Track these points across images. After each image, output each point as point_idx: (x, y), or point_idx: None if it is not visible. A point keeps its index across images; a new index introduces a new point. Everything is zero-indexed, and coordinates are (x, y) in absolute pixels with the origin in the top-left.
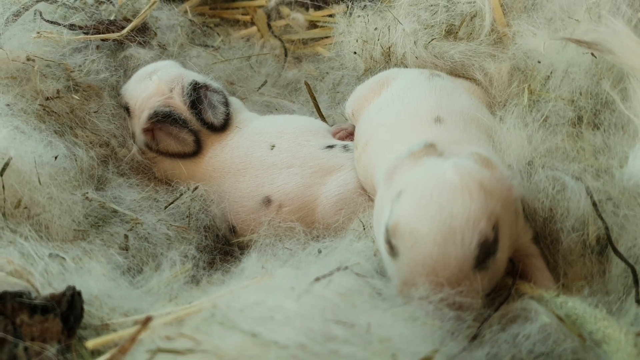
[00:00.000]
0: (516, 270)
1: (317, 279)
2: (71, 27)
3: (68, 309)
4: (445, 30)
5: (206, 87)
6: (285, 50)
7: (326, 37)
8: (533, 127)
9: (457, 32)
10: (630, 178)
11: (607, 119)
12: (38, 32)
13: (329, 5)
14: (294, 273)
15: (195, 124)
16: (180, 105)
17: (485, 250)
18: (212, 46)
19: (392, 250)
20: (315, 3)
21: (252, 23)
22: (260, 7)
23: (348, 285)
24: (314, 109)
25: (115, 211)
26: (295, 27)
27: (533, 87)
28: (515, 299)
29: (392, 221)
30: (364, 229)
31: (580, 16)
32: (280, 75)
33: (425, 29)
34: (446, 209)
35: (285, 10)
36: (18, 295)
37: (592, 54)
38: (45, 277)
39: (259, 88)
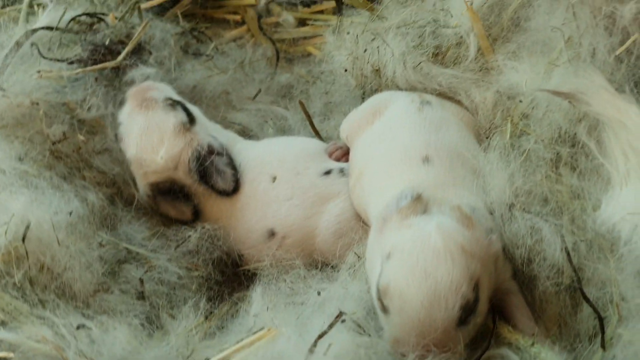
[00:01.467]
0: (494, 317)
1: (319, 337)
2: (69, 62)
3: None
4: (432, 53)
5: (210, 151)
6: (277, 52)
7: (317, 36)
8: (514, 166)
9: (444, 56)
10: (602, 224)
11: (582, 162)
12: (39, 72)
13: (317, 2)
14: (295, 330)
15: (202, 190)
16: (185, 179)
17: (467, 311)
18: (206, 55)
19: (384, 308)
20: (305, 0)
21: (243, 22)
22: (250, 5)
23: (346, 348)
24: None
25: (129, 251)
26: (286, 25)
27: (515, 121)
28: (494, 346)
29: (383, 283)
30: (359, 260)
31: (559, 53)
32: (273, 79)
33: (415, 49)
34: (431, 274)
35: (275, 8)
36: None
37: (570, 102)
38: (77, 351)
39: (254, 97)
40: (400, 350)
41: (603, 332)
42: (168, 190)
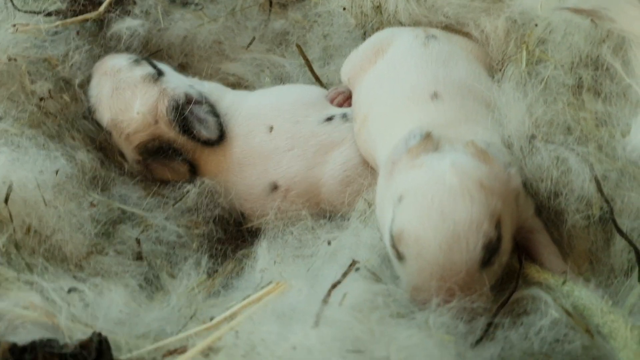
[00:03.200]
0: (520, 256)
1: (333, 287)
2: (47, 14)
3: (97, 356)
4: None
5: (188, 100)
6: None
7: None
8: (533, 96)
9: None
10: (633, 150)
11: (607, 85)
12: (14, 25)
13: None
14: (306, 282)
15: (190, 144)
16: (169, 132)
17: (490, 251)
18: (195, 3)
19: (399, 255)
20: None
21: None
22: None
23: (362, 297)
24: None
25: (123, 212)
26: None
27: (531, 48)
28: (523, 287)
29: (396, 229)
30: (370, 206)
31: None
32: (267, 27)
33: None
34: (448, 215)
35: None
36: (47, 344)
37: (592, 20)
38: (69, 316)
39: (248, 46)
40: (420, 298)
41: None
42: (157, 150)
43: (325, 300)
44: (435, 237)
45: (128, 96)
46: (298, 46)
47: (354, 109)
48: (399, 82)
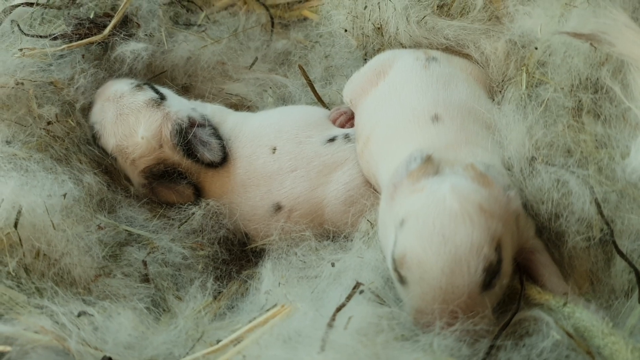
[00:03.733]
0: (521, 278)
1: (338, 310)
2: (53, 38)
3: None
4: (437, 5)
5: (191, 123)
6: (272, 18)
7: None
8: (533, 118)
9: (449, 8)
10: (632, 172)
11: (607, 108)
12: (21, 50)
13: None
14: (312, 305)
15: (194, 167)
16: (173, 156)
17: (491, 274)
18: (197, 25)
19: (402, 279)
20: None
21: None
22: None
23: (367, 321)
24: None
25: (130, 234)
26: None
27: (531, 70)
28: (525, 308)
29: (399, 252)
30: (372, 227)
31: None
32: (269, 47)
33: (418, 2)
34: (449, 238)
35: None
36: None
37: (592, 44)
38: (79, 340)
39: (251, 66)
40: (423, 321)
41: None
42: (162, 174)
43: (330, 324)
44: (437, 260)
45: (132, 121)
46: (300, 67)
47: (357, 130)
48: (400, 104)
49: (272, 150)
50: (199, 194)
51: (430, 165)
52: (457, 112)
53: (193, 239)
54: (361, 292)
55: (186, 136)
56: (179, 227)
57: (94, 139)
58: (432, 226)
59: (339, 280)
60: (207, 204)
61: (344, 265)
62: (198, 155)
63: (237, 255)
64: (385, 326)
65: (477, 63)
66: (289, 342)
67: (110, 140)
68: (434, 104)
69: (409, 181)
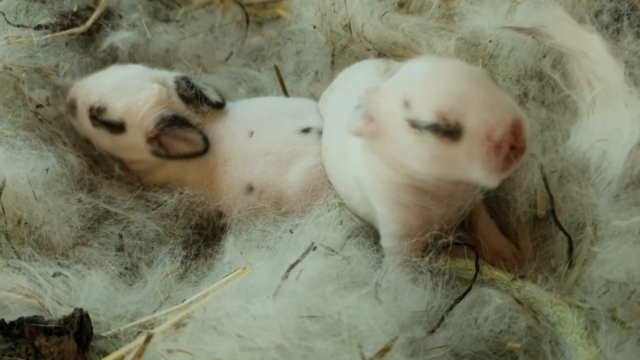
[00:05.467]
0: (477, 262)
1: (291, 267)
2: (37, 27)
3: (79, 329)
4: (397, 2)
5: (188, 80)
6: (247, 16)
7: None
8: None
9: (409, 6)
10: (572, 153)
11: (550, 95)
12: (6, 38)
13: None
14: (270, 265)
15: (198, 117)
16: (180, 105)
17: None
18: (176, 20)
19: (455, 131)
20: None
21: None
22: None
23: (317, 271)
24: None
25: (108, 211)
26: None
27: (484, 63)
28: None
29: (437, 109)
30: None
31: None
32: (244, 43)
33: (379, 0)
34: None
35: None
36: (33, 320)
37: (534, 37)
38: (53, 297)
39: (226, 60)
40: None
41: (571, 251)
42: (173, 120)
43: (283, 278)
44: (468, 85)
45: (137, 81)
46: (275, 67)
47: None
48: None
49: (250, 134)
50: (207, 144)
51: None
52: None
53: (168, 220)
54: (314, 249)
55: (189, 82)
56: (153, 210)
57: (98, 113)
58: (437, 67)
59: (296, 244)
60: (181, 192)
61: (302, 229)
62: (204, 96)
63: (207, 236)
64: (334, 275)
65: None
66: (247, 295)
67: (119, 102)
68: None
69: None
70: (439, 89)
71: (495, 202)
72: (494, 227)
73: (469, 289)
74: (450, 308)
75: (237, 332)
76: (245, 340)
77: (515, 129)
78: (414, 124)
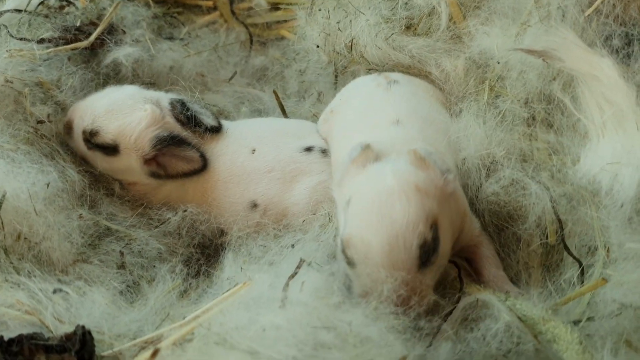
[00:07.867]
0: (460, 276)
1: (290, 278)
2: (40, 41)
3: (81, 347)
4: (404, 25)
5: (183, 102)
6: (251, 36)
7: (290, 20)
8: (491, 125)
9: (416, 28)
10: (582, 177)
11: (559, 118)
12: (8, 51)
13: None
14: (270, 277)
15: (195, 137)
16: (175, 125)
17: (426, 250)
18: (180, 38)
19: (349, 260)
20: None
21: (215, 8)
22: None
23: (319, 283)
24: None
25: (109, 228)
26: (259, 9)
27: (491, 84)
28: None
29: (346, 233)
30: (330, 220)
31: (528, 15)
32: (248, 62)
33: (386, 22)
34: (387, 215)
35: None
36: (33, 337)
37: (544, 60)
38: (54, 314)
39: (230, 79)
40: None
41: (582, 274)
42: (169, 140)
43: (285, 289)
44: (376, 236)
45: (129, 102)
46: (275, 93)
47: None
48: (364, 116)
49: (252, 151)
50: (205, 162)
51: (370, 152)
52: (417, 119)
53: (170, 241)
54: (309, 264)
55: (183, 111)
56: (155, 228)
57: (90, 137)
58: (372, 203)
59: (294, 259)
60: (185, 210)
61: (303, 246)
62: (199, 121)
63: (210, 255)
64: (336, 289)
65: (437, 81)
66: (252, 307)
67: (111, 125)
68: (396, 112)
69: (353, 166)
70: None
71: (502, 229)
72: (495, 263)
73: (459, 299)
74: (440, 326)
75: (248, 344)
76: (256, 352)
77: None
78: None
